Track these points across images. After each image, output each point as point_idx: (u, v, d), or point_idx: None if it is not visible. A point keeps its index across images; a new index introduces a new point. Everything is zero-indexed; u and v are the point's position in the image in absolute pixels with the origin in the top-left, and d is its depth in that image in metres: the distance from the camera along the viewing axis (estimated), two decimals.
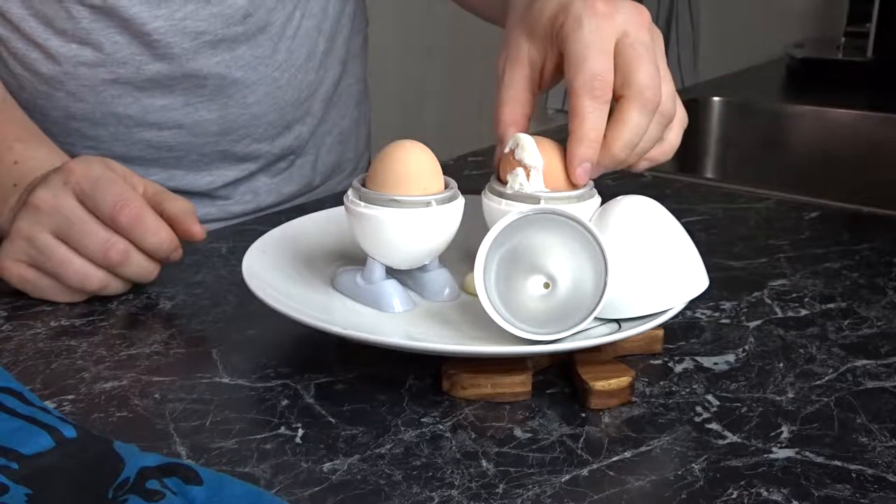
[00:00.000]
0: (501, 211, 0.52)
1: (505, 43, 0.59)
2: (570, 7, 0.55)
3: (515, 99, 0.57)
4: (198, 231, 0.60)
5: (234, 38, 0.75)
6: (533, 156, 0.52)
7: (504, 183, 0.54)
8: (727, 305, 0.60)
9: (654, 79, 0.54)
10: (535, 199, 0.52)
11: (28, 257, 0.58)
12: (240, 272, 0.53)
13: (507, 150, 0.54)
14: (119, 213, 0.57)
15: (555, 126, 1.11)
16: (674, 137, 0.58)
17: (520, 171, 0.53)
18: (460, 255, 0.58)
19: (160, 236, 0.58)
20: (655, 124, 0.55)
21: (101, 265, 0.57)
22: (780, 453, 0.44)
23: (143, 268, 0.59)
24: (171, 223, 0.59)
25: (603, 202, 0.54)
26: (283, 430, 0.45)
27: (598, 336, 0.48)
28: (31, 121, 0.68)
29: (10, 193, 0.61)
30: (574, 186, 0.53)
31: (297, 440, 0.44)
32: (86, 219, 0.57)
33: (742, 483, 0.41)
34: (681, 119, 0.59)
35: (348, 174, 0.92)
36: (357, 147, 0.93)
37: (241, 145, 0.80)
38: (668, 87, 0.56)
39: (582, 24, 0.54)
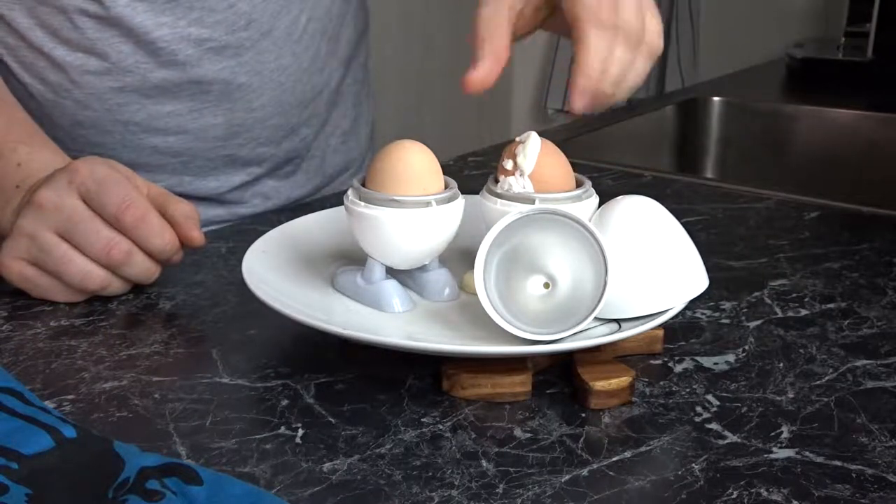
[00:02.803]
0: (498, 211, 0.52)
1: None
2: None
3: (499, 32, 0.57)
4: (197, 237, 0.60)
5: (238, 44, 0.75)
6: (529, 160, 0.53)
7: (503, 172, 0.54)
8: (727, 305, 0.60)
9: (638, 16, 0.56)
10: (532, 200, 0.52)
11: (29, 255, 0.58)
12: (240, 272, 0.53)
13: (517, 139, 0.54)
14: (124, 214, 0.57)
15: (555, 126, 1.11)
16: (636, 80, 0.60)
17: (510, 179, 0.53)
18: (460, 255, 0.58)
19: (164, 238, 0.58)
20: (644, 59, 0.57)
21: (103, 264, 0.58)
22: (780, 453, 0.44)
23: (144, 268, 0.59)
24: (173, 226, 0.59)
25: (603, 202, 0.54)
26: (283, 430, 0.45)
27: (598, 336, 0.48)
28: (34, 123, 0.68)
29: (14, 195, 0.61)
30: (567, 186, 0.54)
31: (297, 440, 0.44)
32: (89, 218, 0.57)
33: (742, 483, 0.41)
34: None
35: (352, 174, 0.92)
36: (359, 146, 0.93)
37: (246, 149, 0.80)
38: (655, 24, 0.58)
39: None
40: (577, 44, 0.55)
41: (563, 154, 0.55)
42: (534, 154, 0.53)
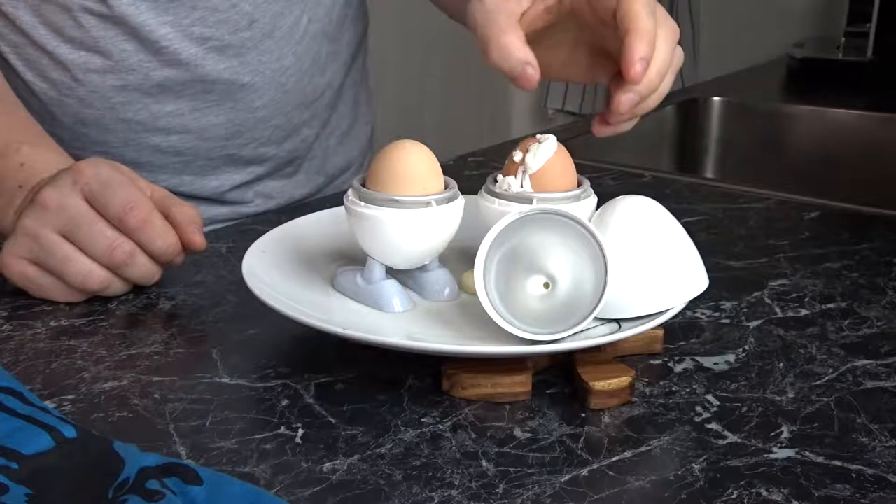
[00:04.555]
0: (496, 210, 0.52)
1: None
2: None
3: (517, 30, 0.54)
4: (198, 241, 0.60)
5: (240, 44, 0.75)
6: (538, 160, 0.53)
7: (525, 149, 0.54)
8: (727, 305, 0.60)
9: (673, 20, 0.56)
10: (529, 199, 0.52)
11: (31, 254, 0.58)
12: (240, 272, 0.53)
13: (538, 136, 0.54)
14: (128, 215, 0.57)
15: (555, 126, 1.11)
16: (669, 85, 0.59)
17: (509, 179, 0.53)
18: (460, 255, 0.58)
19: (166, 240, 0.58)
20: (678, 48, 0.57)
21: (105, 265, 0.58)
22: (780, 453, 0.44)
23: (146, 270, 0.59)
24: (175, 229, 0.59)
25: (603, 202, 0.54)
26: (283, 430, 0.45)
27: (598, 336, 0.48)
28: (37, 123, 0.68)
29: (16, 195, 0.61)
30: (567, 187, 0.54)
31: (297, 440, 0.44)
32: (93, 219, 0.57)
33: (742, 483, 0.41)
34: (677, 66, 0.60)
35: (353, 173, 0.92)
36: (360, 146, 0.94)
37: (247, 149, 0.80)
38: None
39: None
40: (625, 19, 0.52)
41: (573, 163, 0.55)
42: (545, 157, 0.53)
